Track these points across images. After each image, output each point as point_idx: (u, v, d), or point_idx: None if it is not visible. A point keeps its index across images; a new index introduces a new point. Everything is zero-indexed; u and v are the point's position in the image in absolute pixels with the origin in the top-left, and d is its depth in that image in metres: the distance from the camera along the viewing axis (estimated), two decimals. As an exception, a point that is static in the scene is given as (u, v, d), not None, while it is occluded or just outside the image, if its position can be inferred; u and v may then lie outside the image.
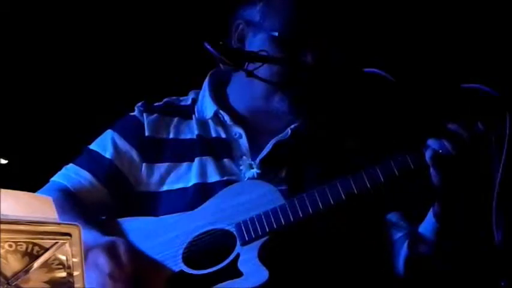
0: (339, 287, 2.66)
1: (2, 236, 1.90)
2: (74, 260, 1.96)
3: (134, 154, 2.81)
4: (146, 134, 2.83)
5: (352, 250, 2.68)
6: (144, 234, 2.69)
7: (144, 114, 2.86)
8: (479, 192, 2.46)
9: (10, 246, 1.92)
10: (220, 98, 2.86)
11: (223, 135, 2.82)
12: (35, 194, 2.45)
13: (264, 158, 2.76)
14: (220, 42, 2.50)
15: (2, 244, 1.90)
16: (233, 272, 2.58)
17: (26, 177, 2.79)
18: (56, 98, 3.55)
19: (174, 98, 2.96)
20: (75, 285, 1.95)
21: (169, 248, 2.65)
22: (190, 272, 2.61)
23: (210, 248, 2.63)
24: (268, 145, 2.77)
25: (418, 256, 2.66)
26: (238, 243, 2.60)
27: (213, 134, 2.83)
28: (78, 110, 3.54)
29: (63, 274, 1.95)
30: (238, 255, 2.59)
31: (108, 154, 2.82)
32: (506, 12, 3.32)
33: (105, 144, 2.84)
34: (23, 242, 1.93)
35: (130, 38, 3.55)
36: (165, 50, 3.54)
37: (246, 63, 2.57)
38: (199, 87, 2.92)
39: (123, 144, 2.83)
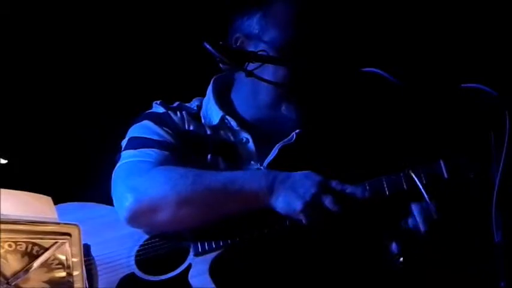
0: None
1: (1, 236, 1.90)
2: (74, 259, 1.96)
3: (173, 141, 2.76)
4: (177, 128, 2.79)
5: (307, 271, 2.60)
6: (104, 223, 2.62)
7: (168, 110, 2.82)
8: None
9: (10, 246, 1.92)
10: (225, 103, 2.84)
11: (231, 139, 2.80)
12: (35, 194, 2.46)
13: (271, 162, 2.75)
14: (220, 42, 2.49)
15: (1, 244, 1.91)
16: (182, 284, 2.52)
17: (26, 177, 2.79)
18: (56, 98, 3.55)
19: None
20: (75, 285, 1.96)
21: (124, 244, 2.61)
22: (140, 277, 2.58)
23: (164, 252, 2.58)
24: (274, 149, 2.75)
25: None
26: (191, 252, 2.56)
27: (222, 137, 2.80)
28: (78, 110, 3.54)
29: (63, 274, 1.96)
30: (190, 266, 2.55)
31: (156, 136, 2.74)
32: (506, 12, 3.32)
33: (148, 131, 2.76)
34: (22, 241, 1.93)
35: (130, 40, 3.55)
36: (164, 52, 3.54)
37: (246, 63, 2.56)
38: (199, 94, 2.91)
39: (162, 131, 2.76)
